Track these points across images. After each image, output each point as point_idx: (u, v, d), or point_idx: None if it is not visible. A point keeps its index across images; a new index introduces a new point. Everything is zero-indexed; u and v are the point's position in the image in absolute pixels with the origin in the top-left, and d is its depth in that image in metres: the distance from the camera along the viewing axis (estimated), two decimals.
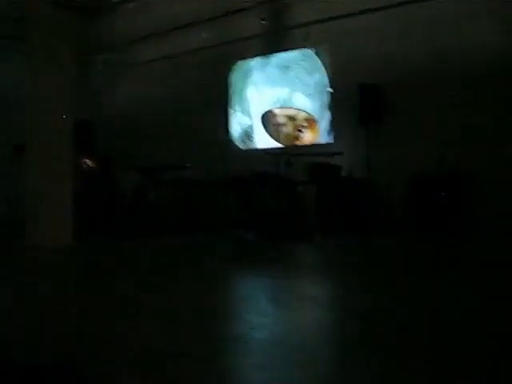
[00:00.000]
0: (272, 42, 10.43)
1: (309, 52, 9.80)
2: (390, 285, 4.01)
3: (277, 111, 10.22)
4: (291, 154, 7.78)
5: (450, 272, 4.60)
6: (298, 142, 9.48)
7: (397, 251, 6.36)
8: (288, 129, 10.02)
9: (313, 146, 9.50)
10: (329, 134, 9.48)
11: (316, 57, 9.70)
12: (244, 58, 10.71)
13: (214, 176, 9.28)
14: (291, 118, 10.00)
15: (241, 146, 10.70)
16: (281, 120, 10.15)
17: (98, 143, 11.42)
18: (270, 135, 10.31)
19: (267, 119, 10.39)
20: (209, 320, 2.99)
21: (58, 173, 6.95)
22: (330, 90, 9.39)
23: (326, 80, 9.55)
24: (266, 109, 10.37)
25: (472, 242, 6.67)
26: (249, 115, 10.66)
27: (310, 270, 5.10)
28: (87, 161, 9.57)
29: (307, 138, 9.66)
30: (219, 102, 10.82)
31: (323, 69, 9.61)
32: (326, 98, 9.53)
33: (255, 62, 10.58)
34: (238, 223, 8.01)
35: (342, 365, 2.18)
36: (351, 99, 8.76)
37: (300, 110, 9.86)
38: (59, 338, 2.54)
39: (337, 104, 9.36)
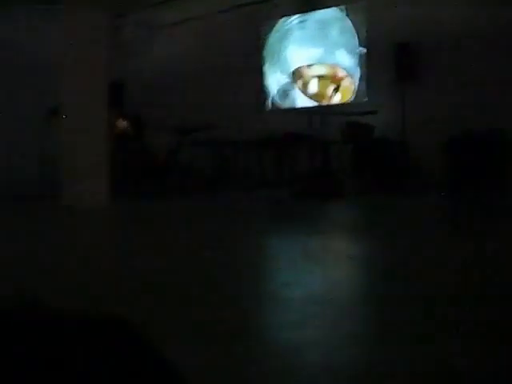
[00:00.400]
0: (307, 0, 10.26)
1: (344, 10, 9.63)
2: (426, 245, 3.98)
3: (308, 68, 10.13)
4: (325, 113, 7.69)
5: (488, 232, 4.54)
6: (332, 101, 9.37)
7: (433, 212, 6.30)
8: (320, 86, 9.93)
9: (348, 105, 9.41)
10: (363, 92, 9.37)
11: (351, 15, 9.54)
12: (279, 17, 10.59)
13: (248, 136, 9.27)
14: (324, 76, 9.89)
15: (276, 105, 10.67)
16: (313, 77, 10.07)
17: (130, 104, 11.46)
18: (302, 92, 10.25)
19: (298, 76, 10.32)
20: (242, 278, 3.01)
21: (93, 134, 7.02)
22: (364, 49, 9.25)
23: (361, 39, 9.40)
24: (300, 66, 10.30)
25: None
26: (285, 74, 10.60)
27: (344, 229, 5.09)
28: (120, 122, 9.62)
29: (342, 96, 9.56)
30: (254, 62, 10.75)
31: (359, 27, 9.45)
32: (361, 57, 9.39)
33: (291, 21, 10.46)
34: (271, 183, 8.03)
35: (379, 324, 2.18)
36: (387, 58, 8.61)
37: (335, 66, 9.75)
38: (110, 293, 2.60)
39: (372, 63, 9.21)
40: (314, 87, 10.10)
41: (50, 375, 0.74)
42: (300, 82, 10.32)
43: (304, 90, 10.25)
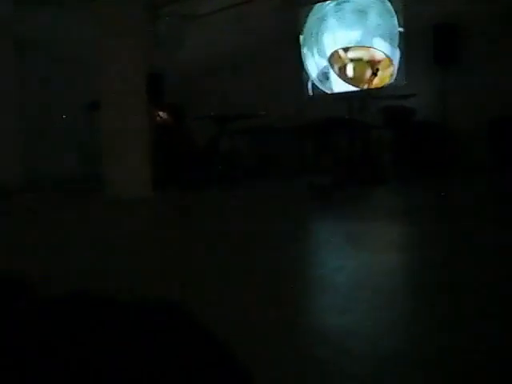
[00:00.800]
0: None
1: None
2: (470, 232, 3.92)
3: (345, 51, 10.06)
4: (365, 97, 7.62)
5: None
6: (371, 85, 9.26)
7: (476, 197, 6.19)
8: (357, 69, 9.86)
9: (387, 88, 9.30)
10: (403, 75, 9.25)
11: None
12: (314, 2, 10.53)
13: (289, 123, 9.26)
14: (361, 59, 9.81)
15: (317, 89, 10.63)
16: (350, 60, 10.01)
17: (170, 95, 11.56)
18: (339, 76, 10.20)
19: (335, 59, 10.26)
20: (288, 263, 3.04)
21: (133, 125, 7.11)
22: (403, 30, 9.13)
23: (400, 20, 9.28)
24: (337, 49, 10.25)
25: None
26: (323, 58, 10.56)
27: (387, 215, 5.06)
28: (161, 112, 9.70)
29: (381, 79, 9.45)
30: (293, 47, 10.73)
31: (398, 8, 9.33)
32: (400, 39, 9.28)
33: (328, 4, 10.40)
34: (313, 169, 8.01)
35: (421, 311, 2.18)
36: (425, 39, 8.48)
37: (373, 49, 9.65)
38: (161, 279, 2.66)
39: (411, 45, 9.09)
40: (350, 71, 10.03)
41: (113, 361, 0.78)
42: (337, 66, 10.25)
43: (341, 74, 10.18)
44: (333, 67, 10.32)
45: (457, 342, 1.75)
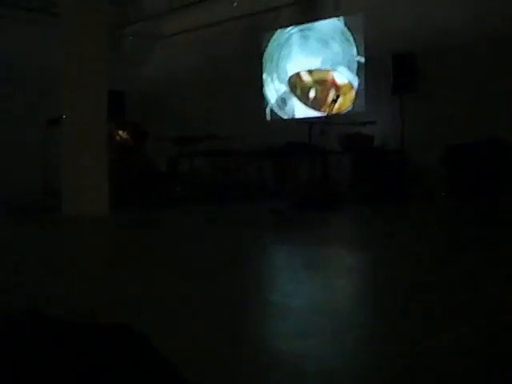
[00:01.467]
0: (303, 11, 10.34)
1: (341, 21, 9.72)
2: (425, 254, 4.00)
3: (308, 73, 10.22)
4: (324, 123, 7.72)
5: (487, 244, 4.56)
6: (331, 110, 9.42)
7: (432, 220, 6.31)
8: (320, 91, 10.02)
9: (346, 114, 9.45)
10: (362, 102, 9.43)
11: (350, 26, 9.62)
12: (278, 27, 10.67)
13: (248, 146, 9.30)
14: (324, 80, 9.97)
15: (275, 114, 10.74)
16: (312, 82, 10.17)
17: (131, 114, 11.50)
18: (300, 99, 10.34)
19: (297, 81, 10.41)
20: (242, 287, 3.03)
21: (93, 144, 7.05)
22: (362, 59, 9.32)
23: (360, 49, 9.48)
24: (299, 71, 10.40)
25: None
26: (283, 83, 10.69)
27: (343, 239, 5.11)
28: (121, 132, 9.62)
29: (342, 104, 9.60)
30: (253, 72, 10.82)
31: (356, 37, 9.53)
32: (359, 68, 9.47)
33: (289, 31, 10.55)
34: (271, 192, 8.05)
35: (378, 333, 2.20)
36: (384, 68, 8.67)
37: (335, 72, 9.83)
38: (115, 301, 2.61)
39: (370, 73, 9.28)
40: (313, 93, 10.18)
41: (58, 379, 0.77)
42: (299, 88, 10.39)
43: (302, 96, 10.32)
44: (294, 90, 10.46)
45: (415, 366, 1.76)
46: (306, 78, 10.30)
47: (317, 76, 10.15)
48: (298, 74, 10.42)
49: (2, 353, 0.81)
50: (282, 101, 10.70)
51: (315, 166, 8.00)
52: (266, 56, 10.96)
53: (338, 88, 9.75)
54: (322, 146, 7.86)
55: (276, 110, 10.76)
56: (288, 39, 10.63)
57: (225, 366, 1.78)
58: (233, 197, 8.88)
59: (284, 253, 4.46)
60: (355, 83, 9.54)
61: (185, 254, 4.17)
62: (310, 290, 2.96)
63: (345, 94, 9.60)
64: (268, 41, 10.91)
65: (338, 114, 9.39)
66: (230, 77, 10.88)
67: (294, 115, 10.47)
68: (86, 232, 5.88)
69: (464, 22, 8.17)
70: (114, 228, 6.33)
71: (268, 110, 10.87)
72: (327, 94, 9.90)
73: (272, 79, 10.87)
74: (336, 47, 9.85)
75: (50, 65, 9.53)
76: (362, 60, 9.45)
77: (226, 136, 9.29)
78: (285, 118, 10.58)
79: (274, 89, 10.84)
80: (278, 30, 10.72)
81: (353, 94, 9.57)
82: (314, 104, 10.12)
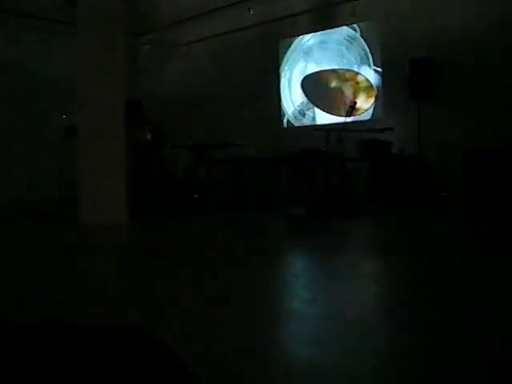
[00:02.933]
0: (320, 19, 10.34)
1: (358, 29, 9.72)
2: (442, 261, 3.96)
3: (332, 72, 10.23)
4: (342, 129, 7.69)
5: (503, 248, 4.51)
6: (349, 114, 9.42)
7: (449, 227, 6.25)
8: (341, 85, 10.02)
9: (363, 122, 9.42)
10: (380, 109, 9.40)
11: (365, 33, 9.62)
12: (293, 35, 10.68)
13: (266, 153, 9.30)
14: (346, 77, 9.95)
15: (292, 122, 10.73)
16: (328, 82, 10.15)
17: (149, 122, 11.56)
18: (309, 99, 10.36)
19: (320, 79, 10.41)
20: (261, 294, 3.02)
21: (110, 152, 7.07)
22: (378, 68, 9.32)
23: (376, 57, 9.47)
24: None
25: None
26: (302, 92, 10.69)
27: (361, 246, 5.08)
28: (139, 139, 9.64)
29: (362, 107, 9.57)
30: (271, 79, 10.84)
31: (373, 45, 9.51)
32: (377, 75, 9.45)
33: (306, 39, 10.55)
34: (289, 200, 8.03)
35: (397, 340, 2.17)
36: (402, 74, 8.64)
37: (360, 74, 9.82)
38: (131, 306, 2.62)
39: (387, 79, 9.25)
40: (334, 84, 10.20)
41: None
42: (319, 88, 10.38)
43: (310, 95, 10.33)
44: (304, 90, 10.46)
45: (432, 375, 1.74)
46: (331, 75, 10.28)
47: (340, 76, 10.12)
48: (321, 73, 10.42)
49: (17, 359, 0.81)
50: (301, 109, 10.68)
51: (332, 172, 7.96)
52: (284, 63, 10.97)
53: (357, 90, 9.75)
54: (339, 152, 7.83)
55: (293, 118, 10.77)
56: (302, 46, 10.64)
57: (244, 371, 1.77)
58: (249, 204, 8.87)
59: (301, 260, 4.45)
60: (377, 85, 9.52)
61: (205, 258, 4.17)
62: (327, 298, 2.94)
63: (367, 97, 9.59)
64: (286, 48, 10.91)
65: (355, 121, 9.35)
66: (246, 84, 10.90)
67: (312, 123, 10.44)
68: (101, 239, 5.90)
69: (481, 28, 8.12)
70: (129, 239, 6.34)
71: (286, 118, 10.87)
72: (348, 89, 9.90)
73: (290, 87, 10.87)
74: (356, 52, 9.83)
75: (66, 74, 9.66)
76: (379, 68, 9.43)
77: (242, 143, 9.30)
78: (302, 124, 10.56)
79: (292, 97, 10.84)
80: (297, 38, 10.71)
81: (373, 96, 9.54)
82: (333, 105, 10.10)
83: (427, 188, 8.22)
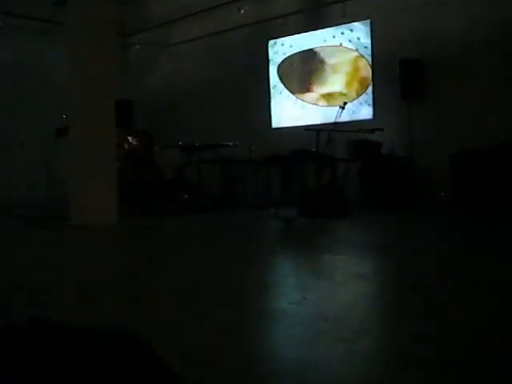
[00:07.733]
0: (310, 19, 10.35)
1: (347, 28, 9.72)
2: (433, 260, 3.97)
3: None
4: (332, 130, 7.69)
5: (494, 248, 4.52)
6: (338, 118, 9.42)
7: (439, 227, 6.27)
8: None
9: (353, 122, 9.41)
10: (369, 110, 9.41)
11: (355, 32, 9.62)
12: (283, 35, 10.66)
13: (255, 154, 9.29)
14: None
15: (282, 121, 10.71)
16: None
17: (139, 122, 11.54)
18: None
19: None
20: (250, 295, 3.01)
21: (100, 153, 7.03)
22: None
23: (365, 55, 9.48)
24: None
25: None
26: (289, 92, 10.67)
27: (351, 246, 5.08)
28: (130, 138, 9.62)
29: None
30: (261, 80, 10.82)
31: (363, 43, 9.52)
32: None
33: (295, 39, 10.54)
34: (278, 200, 8.02)
35: (386, 340, 2.18)
36: (391, 75, 8.65)
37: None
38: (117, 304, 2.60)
39: (377, 80, 9.26)
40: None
41: None
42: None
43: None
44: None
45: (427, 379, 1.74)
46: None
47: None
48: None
49: (4, 359, 0.81)
50: (292, 107, 10.66)
51: (323, 173, 7.96)
52: (271, 64, 10.94)
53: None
54: (329, 153, 7.82)
55: (284, 116, 10.74)
56: (290, 47, 10.64)
57: (231, 372, 1.77)
58: (239, 204, 8.86)
59: (292, 260, 4.45)
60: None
61: (194, 257, 4.16)
62: (316, 298, 2.94)
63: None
64: (272, 48, 10.89)
65: (345, 122, 9.33)
66: (236, 84, 10.88)
67: (300, 123, 10.41)
68: (89, 240, 5.88)
69: (471, 28, 8.15)
70: (118, 239, 6.32)
71: (275, 117, 10.83)
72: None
73: (276, 89, 10.85)
74: (341, 55, 9.83)
75: (56, 75, 9.61)
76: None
77: (234, 144, 9.29)
78: (293, 125, 10.53)
79: (278, 99, 10.83)
80: (286, 38, 10.68)
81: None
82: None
83: (417, 188, 8.24)
